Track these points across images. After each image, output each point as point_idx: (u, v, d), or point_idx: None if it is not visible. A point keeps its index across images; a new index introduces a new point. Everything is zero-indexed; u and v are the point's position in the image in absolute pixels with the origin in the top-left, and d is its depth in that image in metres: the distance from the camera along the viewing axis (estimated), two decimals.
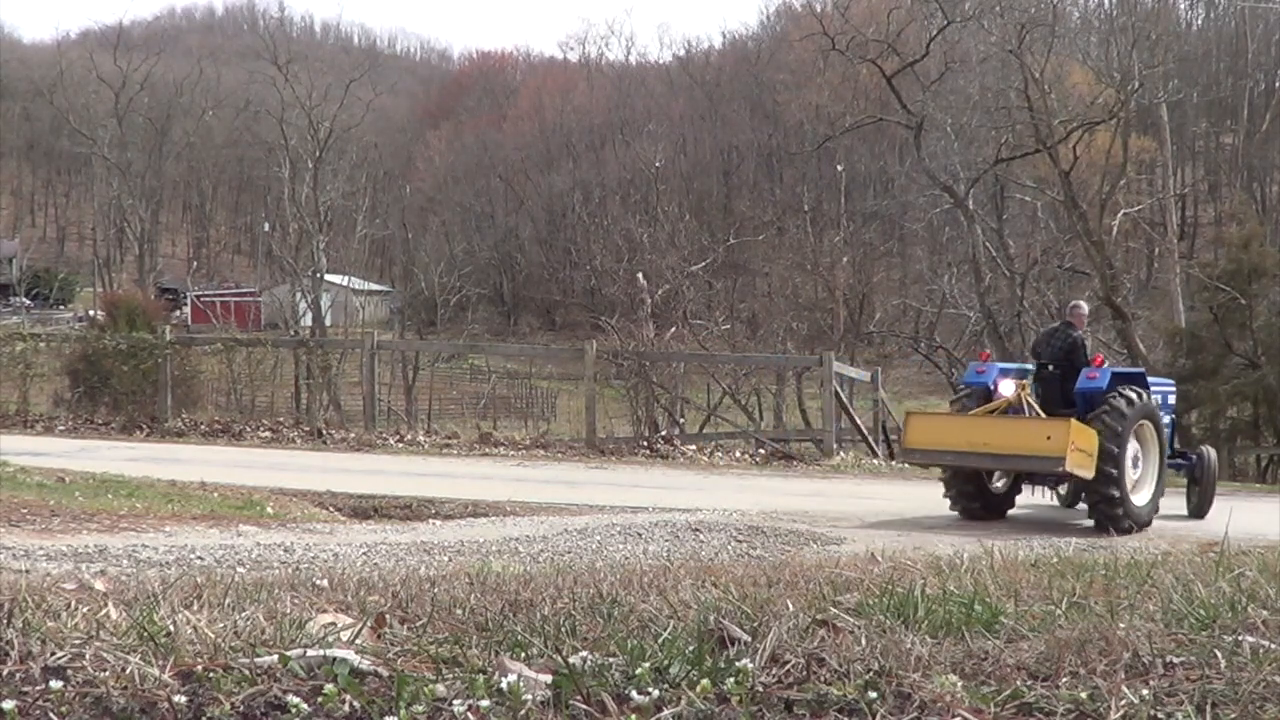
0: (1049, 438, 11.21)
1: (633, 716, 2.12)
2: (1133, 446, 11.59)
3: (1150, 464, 11.92)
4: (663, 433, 20.25)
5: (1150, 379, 12.75)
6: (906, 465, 11.76)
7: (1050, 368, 12.25)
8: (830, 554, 7.62)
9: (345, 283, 48.11)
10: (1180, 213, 55.75)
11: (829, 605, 3.09)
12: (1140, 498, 11.66)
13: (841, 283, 40.95)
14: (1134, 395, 11.69)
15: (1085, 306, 13.44)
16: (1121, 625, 2.76)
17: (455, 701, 2.14)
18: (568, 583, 3.92)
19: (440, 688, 2.21)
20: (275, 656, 2.32)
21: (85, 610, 2.69)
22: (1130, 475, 11.51)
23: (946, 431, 11.86)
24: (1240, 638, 2.60)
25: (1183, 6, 65.96)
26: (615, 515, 10.59)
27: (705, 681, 2.24)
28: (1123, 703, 2.18)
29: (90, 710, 2.09)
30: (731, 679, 2.26)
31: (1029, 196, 37.26)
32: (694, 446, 19.19)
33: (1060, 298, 35.73)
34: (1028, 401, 11.82)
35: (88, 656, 2.29)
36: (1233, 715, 2.16)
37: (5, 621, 2.50)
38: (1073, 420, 11.20)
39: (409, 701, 2.14)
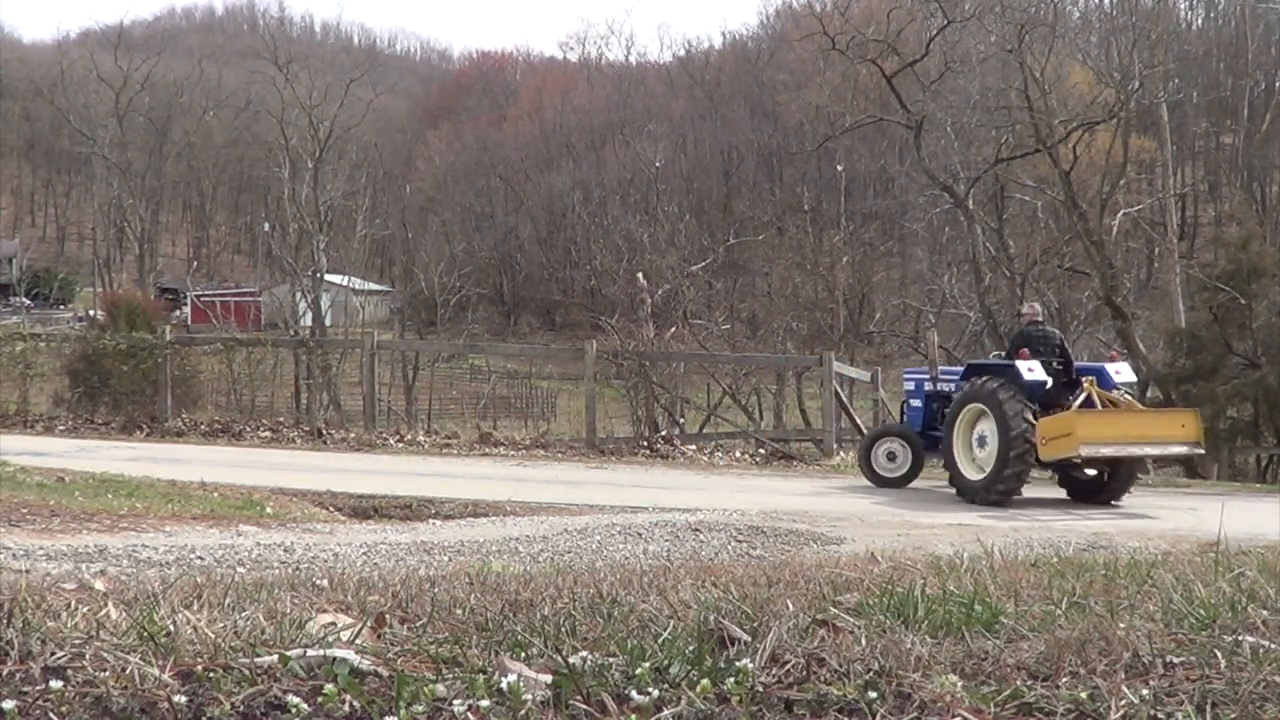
0: (1183, 426, 13.31)
1: (633, 716, 2.12)
2: None
3: None
4: (663, 433, 20.24)
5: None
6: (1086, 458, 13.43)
7: (1054, 364, 13.49)
8: (830, 554, 7.62)
9: (345, 283, 48.10)
10: (1180, 213, 55.74)
11: (829, 605, 3.09)
12: None
13: (841, 283, 40.94)
14: None
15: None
16: (1121, 625, 2.76)
17: (455, 701, 2.14)
18: (568, 583, 3.92)
19: (440, 688, 2.21)
20: (275, 656, 2.32)
21: (85, 610, 2.69)
22: None
23: (1113, 427, 13.12)
24: (1240, 638, 2.60)
25: (1183, 6, 66.04)
26: (615, 515, 10.59)
27: (705, 681, 2.24)
28: (1123, 703, 2.18)
29: (90, 710, 2.09)
30: (731, 679, 2.26)
31: (1029, 196, 37.21)
32: (694, 446, 19.19)
33: (1060, 297, 35.75)
34: (1098, 394, 13.20)
35: (88, 656, 2.29)
36: (1233, 715, 2.16)
37: (5, 621, 2.50)
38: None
39: (409, 701, 2.14)
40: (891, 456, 14.57)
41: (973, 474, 13.28)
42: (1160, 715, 2.15)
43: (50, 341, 23.11)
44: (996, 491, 12.88)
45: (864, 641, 2.58)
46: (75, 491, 11.04)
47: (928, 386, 15.17)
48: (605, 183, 69.06)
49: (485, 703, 2.13)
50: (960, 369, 15.20)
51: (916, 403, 15.26)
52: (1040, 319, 14.34)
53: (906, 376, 16.29)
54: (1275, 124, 61.93)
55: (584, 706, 2.15)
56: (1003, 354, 14.80)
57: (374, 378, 21.41)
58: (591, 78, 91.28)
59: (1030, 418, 12.80)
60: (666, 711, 2.14)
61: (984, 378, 13.46)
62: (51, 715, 2.06)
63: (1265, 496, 16.27)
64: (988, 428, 13.20)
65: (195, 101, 74.95)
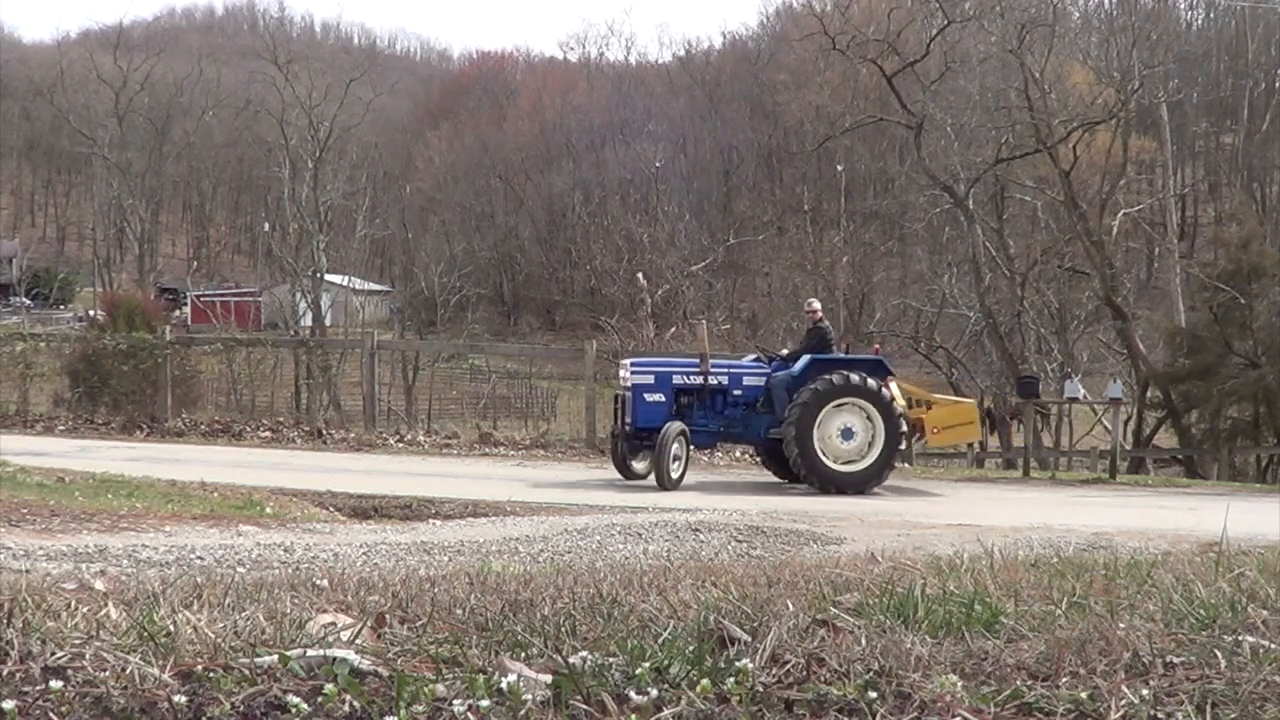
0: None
1: (633, 716, 2.12)
2: None
3: None
4: None
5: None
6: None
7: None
8: (830, 554, 7.62)
9: (345, 283, 48.11)
10: (1180, 213, 55.73)
11: (829, 605, 3.09)
12: None
13: (841, 283, 40.91)
14: None
15: None
16: (1121, 625, 2.76)
17: (455, 701, 2.14)
18: (568, 583, 3.92)
19: (440, 688, 2.21)
20: (275, 656, 2.32)
21: (85, 610, 2.69)
22: None
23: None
24: (1240, 638, 2.60)
25: (1183, 6, 66.04)
26: (615, 515, 10.59)
27: (705, 681, 2.24)
28: (1123, 703, 2.18)
29: (90, 710, 2.09)
30: (731, 679, 2.26)
31: (1029, 196, 37.20)
32: (694, 446, 19.14)
33: (1060, 297, 35.72)
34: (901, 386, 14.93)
35: (88, 656, 2.29)
36: (1233, 715, 2.16)
37: (5, 621, 2.50)
38: None
39: (409, 701, 2.14)
40: (675, 457, 13.87)
41: (840, 466, 13.82)
42: (1160, 715, 2.15)
43: (50, 341, 23.10)
44: (880, 480, 13.92)
45: (864, 641, 2.58)
46: (75, 491, 11.03)
47: (678, 379, 14.44)
48: (605, 183, 68.94)
49: (485, 703, 2.13)
50: (733, 363, 15.56)
51: (657, 396, 14.30)
52: (821, 314, 15.16)
53: (638, 368, 14.81)
54: (1275, 124, 61.94)
55: (584, 706, 2.15)
56: (783, 351, 15.73)
57: (374, 378, 21.40)
58: (591, 78, 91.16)
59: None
60: (666, 711, 2.14)
61: (861, 373, 13.89)
62: (51, 715, 2.06)
63: (1265, 496, 16.27)
64: (854, 420, 13.79)
65: (195, 101, 74.84)
